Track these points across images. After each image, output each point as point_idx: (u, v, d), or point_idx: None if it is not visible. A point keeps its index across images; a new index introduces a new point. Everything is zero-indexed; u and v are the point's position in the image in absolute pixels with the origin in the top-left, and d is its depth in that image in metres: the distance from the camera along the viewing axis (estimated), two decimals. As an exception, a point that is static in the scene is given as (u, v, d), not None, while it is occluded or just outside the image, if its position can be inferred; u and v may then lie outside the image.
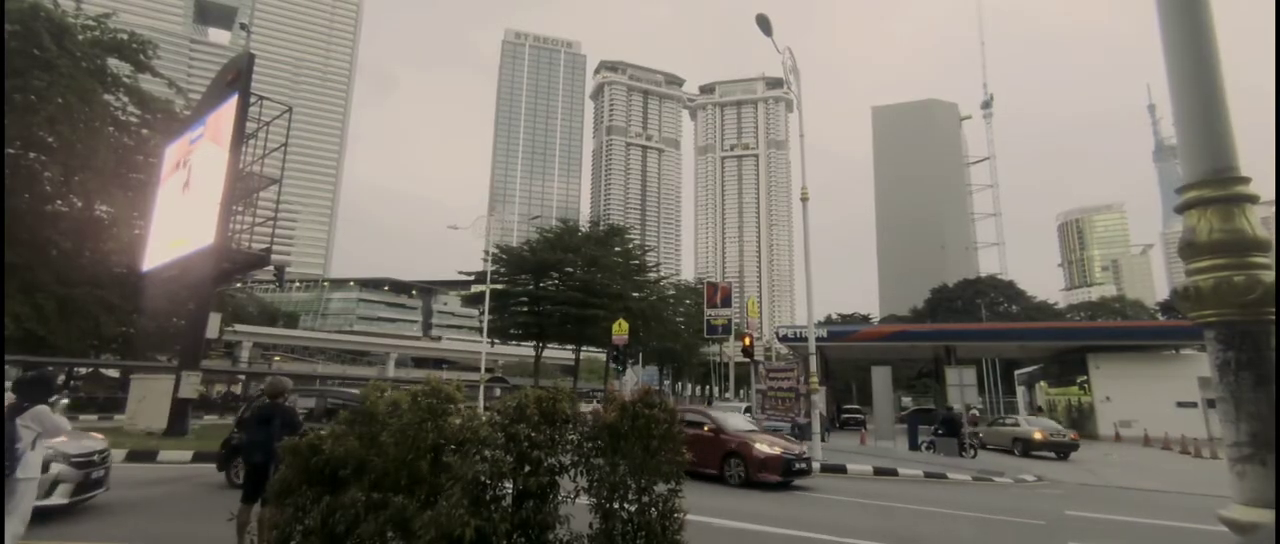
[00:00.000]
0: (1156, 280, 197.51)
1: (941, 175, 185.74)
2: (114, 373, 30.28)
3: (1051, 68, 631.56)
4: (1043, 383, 44.86)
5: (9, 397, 4.68)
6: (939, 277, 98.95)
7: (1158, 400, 29.30)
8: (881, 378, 22.73)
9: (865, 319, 76.94)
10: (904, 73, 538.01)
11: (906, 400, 55.03)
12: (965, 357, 36.92)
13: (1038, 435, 21.38)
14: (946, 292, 76.47)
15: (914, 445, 21.74)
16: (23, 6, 19.60)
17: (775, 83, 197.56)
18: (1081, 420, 35.03)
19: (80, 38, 21.20)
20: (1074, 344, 34.65)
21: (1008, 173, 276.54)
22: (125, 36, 22.67)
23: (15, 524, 4.54)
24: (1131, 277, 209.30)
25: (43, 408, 4.65)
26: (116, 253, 23.65)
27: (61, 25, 20.39)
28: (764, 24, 16.87)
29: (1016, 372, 52.28)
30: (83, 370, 30.46)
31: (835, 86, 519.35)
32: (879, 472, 14.93)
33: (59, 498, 6.81)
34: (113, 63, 22.65)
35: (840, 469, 15.00)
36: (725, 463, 12.03)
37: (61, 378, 26.03)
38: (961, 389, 20.93)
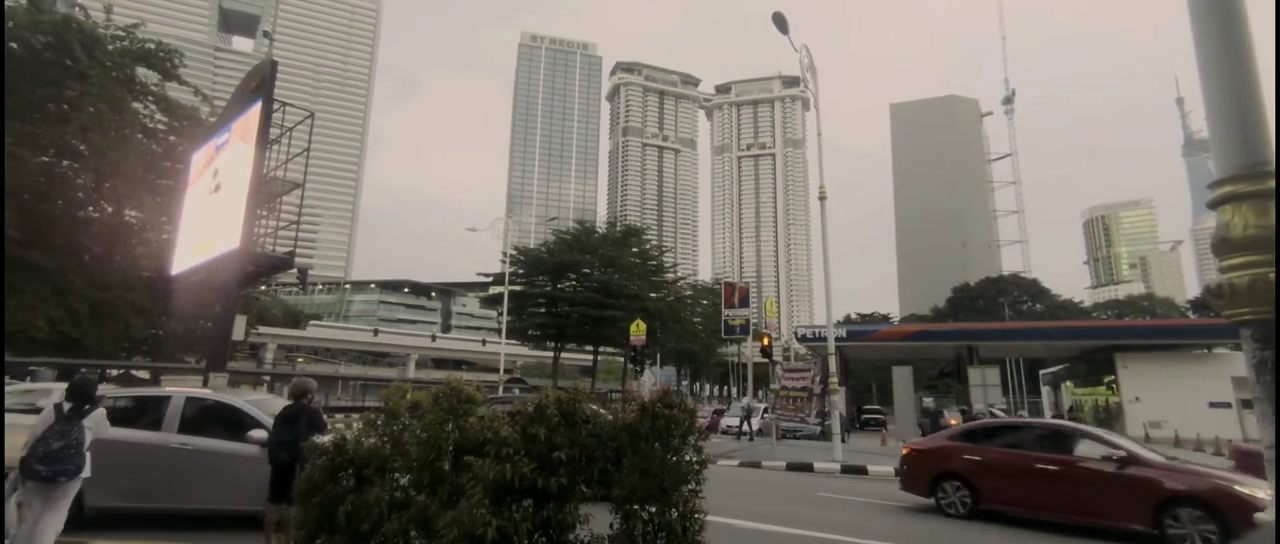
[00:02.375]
0: (1187, 277, 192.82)
1: (962, 172, 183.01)
2: (144, 374, 30.94)
3: (1075, 61, 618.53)
4: (1069, 383, 44.02)
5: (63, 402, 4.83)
6: (960, 275, 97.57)
7: (1189, 401, 28.59)
8: (902, 378, 22.51)
9: (885, 318, 76.16)
10: (923, 68, 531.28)
11: (928, 401, 54.33)
12: (988, 356, 36.34)
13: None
14: (968, 290, 75.45)
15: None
16: (55, 18, 20.17)
17: (792, 81, 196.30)
18: (1109, 421, 34.29)
19: (110, 48, 21.75)
20: (1101, 343, 33.94)
21: (1031, 169, 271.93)
22: (153, 46, 23.21)
23: (58, 521, 4.69)
24: (1161, 274, 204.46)
25: (101, 411, 4.85)
26: (145, 257, 24.22)
27: (92, 36, 20.93)
28: (780, 22, 16.79)
29: (1041, 371, 51.27)
30: (115, 372, 31.20)
31: (853, 83, 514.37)
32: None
33: None
34: (141, 71, 23.21)
35: (861, 470, 14.86)
36: (1164, 515, 7.68)
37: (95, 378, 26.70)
38: (985, 389, 20.62)
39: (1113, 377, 32.99)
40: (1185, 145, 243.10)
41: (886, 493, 11.82)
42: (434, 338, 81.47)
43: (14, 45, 19.79)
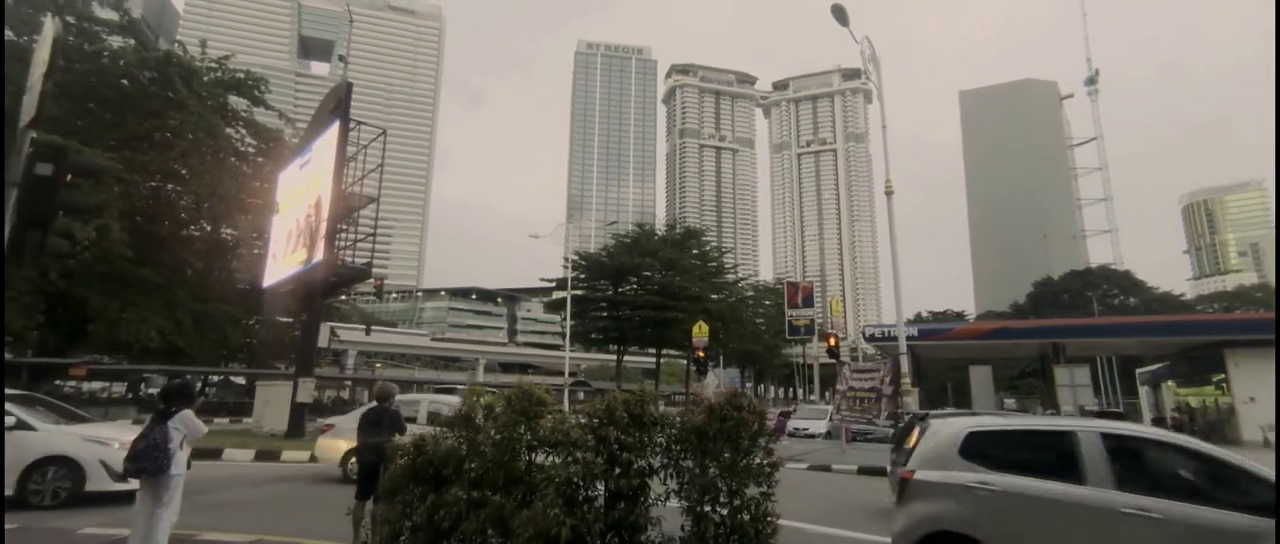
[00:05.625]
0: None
1: (1041, 160, 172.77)
2: (241, 380, 33.38)
3: (1165, 27, 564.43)
4: (1170, 382, 40.60)
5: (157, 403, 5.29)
6: (1041, 269, 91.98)
7: (1316, 401, 25.76)
8: (981, 378, 21.39)
9: (959, 316, 72.70)
10: (995, 50, 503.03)
11: (1009, 402, 51.47)
12: (1076, 355, 34.01)
13: None
14: (1051, 284, 71.09)
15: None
16: (159, 55, 22.11)
17: (852, 74, 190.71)
18: (1219, 424, 31.40)
19: (206, 79, 23.64)
20: (1207, 339, 31.11)
21: (1119, 152, 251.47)
22: (242, 75, 25.05)
23: (170, 514, 5.12)
24: (1275, 262, 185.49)
25: (189, 412, 5.24)
26: (240, 271, 26.14)
27: (190, 69, 22.82)
28: (840, 14, 16.37)
29: (1138, 371, 47.61)
30: (215, 378, 33.79)
31: (919, 69, 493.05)
32: (982, 478, 14.02)
33: None
34: (232, 99, 25.10)
35: (938, 475, 14.23)
36: None
37: (198, 385, 29.07)
38: (1074, 390, 19.29)
39: (1222, 376, 30.15)
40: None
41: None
42: (490, 344, 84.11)
43: (124, 81, 21.82)
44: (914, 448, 5.63)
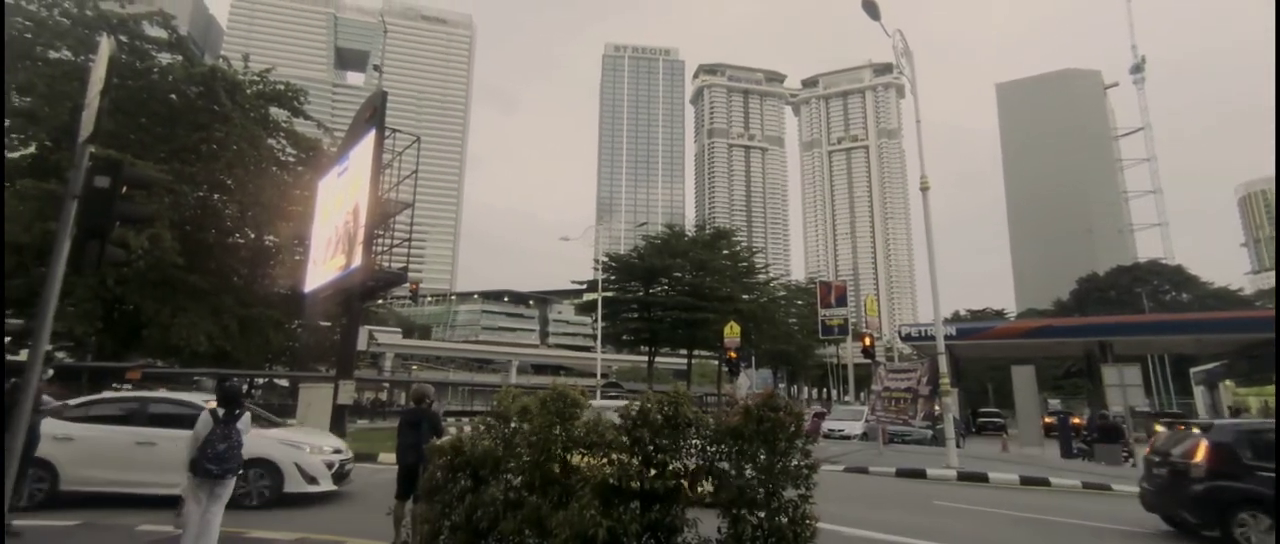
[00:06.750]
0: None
1: (1084, 152, 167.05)
2: (285, 383, 34.37)
3: (1216, 4, 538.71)
4: (1228, 382, 38.75)
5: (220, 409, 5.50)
6: (1086, 264, 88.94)
7: (1389, 401, 24.30)
8: (1024, 378, 20.77)
9: (999, 314, 70.73)
10: (1035, 37, 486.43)
11: (1053, 402, 49.84)
12: (1125, 353, 32.73)
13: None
14: (1096, 281, 68.68)
15: (1069, 453, 19.65)
16: (205, 69, 22.95)
17: (884, 68, 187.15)
18: (1283, 425, 29.84)
19: (248, 92, 24.44)
20: (1267, 336, 29.60)
21: (1168, 142, 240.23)
22: (283, 87, 25.82)
23: (221, 510, 5.32)
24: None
25: (248, 415, 5.50)
26: (282, 277, 26.93)
27: (234, 82, 23.62)
28: (871, 9, 16.10)
29: (1192, 370, 45.57)
30: (261, 381, 34.89)
31: (955, 59, 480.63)
32: (1027, 481, 13.62)
33: None
34: (273, 110, 25.90)
35: (981, 478, 13.87)
36: None
37: (245, 387, 30.11)
38: (1124, 390, 18.56)
39: (1285, 374, 28.63)
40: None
41: (1011, 502, 10.94)
42: (522, 346, 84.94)
43: (173, 96, 22.71)
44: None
